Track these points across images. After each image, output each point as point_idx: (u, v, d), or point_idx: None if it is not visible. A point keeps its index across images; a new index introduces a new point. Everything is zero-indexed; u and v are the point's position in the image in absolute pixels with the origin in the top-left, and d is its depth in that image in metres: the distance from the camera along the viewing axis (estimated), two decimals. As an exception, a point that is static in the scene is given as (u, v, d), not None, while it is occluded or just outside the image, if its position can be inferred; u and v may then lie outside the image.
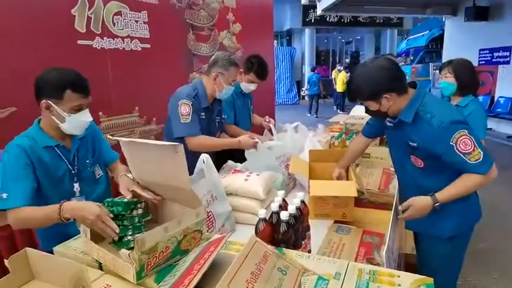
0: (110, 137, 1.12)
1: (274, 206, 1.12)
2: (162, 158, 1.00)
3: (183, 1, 3.21)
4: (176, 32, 3.18)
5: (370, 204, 1.76)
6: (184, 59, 3.30)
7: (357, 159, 1.97)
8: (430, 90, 8.99)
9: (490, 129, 7.81)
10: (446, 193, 1.37)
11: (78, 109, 1.38)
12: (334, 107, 12.82)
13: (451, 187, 1.37)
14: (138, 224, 1.11)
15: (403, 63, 10.86)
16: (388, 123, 1.53)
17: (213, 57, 2.20)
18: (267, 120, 2.55)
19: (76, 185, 1.46)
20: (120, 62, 2.66)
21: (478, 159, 1.29)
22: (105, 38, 2.54)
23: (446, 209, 1.40)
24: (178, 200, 1.11)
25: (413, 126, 1.37)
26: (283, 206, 1.20)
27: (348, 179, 1.70)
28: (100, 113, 2.55)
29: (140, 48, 2.82)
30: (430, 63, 9.56)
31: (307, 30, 15.06)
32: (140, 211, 1.15)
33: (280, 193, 1.23)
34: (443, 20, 9.30)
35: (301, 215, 1.17)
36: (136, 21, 2.77)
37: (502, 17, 7.55)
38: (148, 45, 2.88)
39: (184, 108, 1.99)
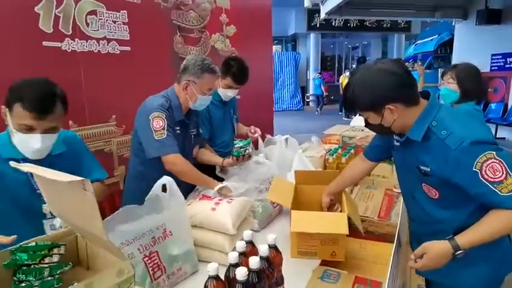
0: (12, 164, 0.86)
1: (232, 257, 0.84)
2: (71, 196, 0.73)
3: (170, 1, 2.96)
4: (161, 33, 2.93)
5: (369, 235, 1.47)
6: (170, 63, 3.04)
7: (352, 185, 1.70)
8: (438, 97, 8.62)
9: (504, 138, 7.43)
10: (469, 236, 1.05)
11: (27, 129, 1.17)
12: (340, 113, 12.52)
13: (476, 229, 1.05)
14: (48, 280, 0.83)
15: (410, 68, 10.52)
16: (395, 142, 1.24)
17: (183, 62, 1.93)
18: (252, 130, 2.25)
19: (45, 206, 1.22)
20: (95, 65, 2.41)
21: (510, 191, 0.98)
22: (76, 39, 2.29)
23: (469, 254, 1.06)
24: (103, 247, 0.83)
25: (425, 147, 1.09)
26: (249, 253, 0.91)
27: (341, 206, 1.41)
28: (70, 122, 2.30)
29: (119, 51, 2.57)
30: (439, 69, 9.18)
31: (312, 35, 14.81)
32: (56, 259, 0.87)
33: (247, 234, 0.95)
34: (453, 24, 8.95)
35: (270, 267, 0.88)
36: (115, 22, 2.52)
37: (516, 21, 7.21)
38: (128, 48, 2.63)
39: (157, 122, 1.69)
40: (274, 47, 16.03)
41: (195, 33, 3.28)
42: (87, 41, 2.35)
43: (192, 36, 3.24)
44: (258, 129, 2.24)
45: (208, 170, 1.91)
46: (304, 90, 15.73)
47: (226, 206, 1.27)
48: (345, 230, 1.13)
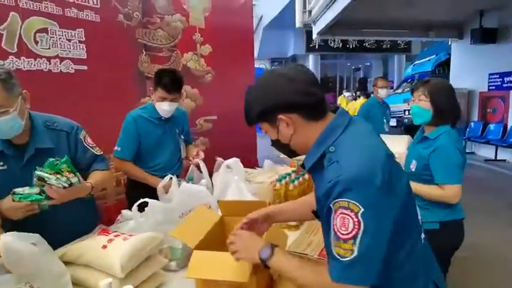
0: None
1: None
2: None
3: (134, 19, 2.88)
4: (124, 52, 2.83)
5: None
6: (134, 82, 2.94)
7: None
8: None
9: (504, 160, 7.14)
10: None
11: None
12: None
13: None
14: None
15: (408, 88, 10.34)
16: None
17: None
18: (195, 153, 2.07)
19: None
20: (45, 85, 2.30)
21: (344, 257, 0.77)
22: (22, 57, 2.19)
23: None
24: None
25: (318, 176, 0.89)
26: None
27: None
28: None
29: (73, 70, 2.47)
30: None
31: (311, 56, 14.84)
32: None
33: (103, 285, 0.76)
34: (450, 43, 8.85)
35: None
36: (69, 40, 2.43)
37: (512, 40, 7.06)
38: (84, 67, 2.53)
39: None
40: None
41: (164, 51, 3.19)
42: (35, 60, 2.26)
43: (160, 55, 3.15)
44: (201, 153, 2.06)
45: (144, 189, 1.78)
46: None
47: (120, 244, 1.09)
48: (244, 277, 0.93)
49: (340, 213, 0.77)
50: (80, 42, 2.49)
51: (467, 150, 8.23)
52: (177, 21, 3.29)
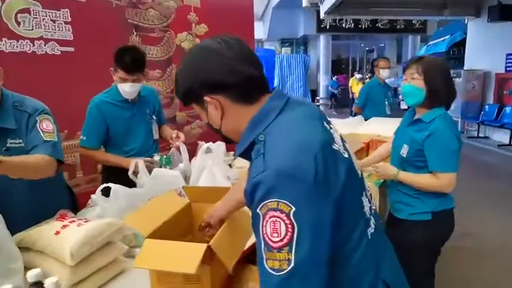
0: None
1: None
2: None
3: (123, -1, 2.80)
4: (113, 33, 2.76)
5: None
6: (125, 64, 2.87)
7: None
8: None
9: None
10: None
11: None
12: (350, 117, 12.12)
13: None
14: None
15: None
16: None
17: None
18: (174, 135, 1.99)
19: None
20: (29, 67, 2.27)
21: (280, 270, 0.64)
22: (4, 39, 2.15)
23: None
24: None
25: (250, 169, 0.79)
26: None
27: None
28: (-2, 128, 2.15)
29: (59, 52, 2.42)
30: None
31: (321, 37, 14.45)
32: None
33: (31, 275, 0.73)
34: (466, 22, 8.44)
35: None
36: (54, 21, 2.37)
37: (532, 17, 6.66)
38: (71, 49, 2.48)
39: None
40: (282, 50, 15.83)
41: (157, 32, 3.11)
42: (18, 41, 2.21)
43: (152, 36, 3.07)
44: (181, 135, 1.99)
45: (120, 173, 1.74)
46: (315, 93, 15.39)
47: (73, 230, 1.05)
48: (192, 269, 0.88)
49: (270, 217, 0.65)
50: (65, 23, 2.43)
51: (480, 135, 7.95)
52: (170, 0, 3.19)
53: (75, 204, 1.71)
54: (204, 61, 0.77)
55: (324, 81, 14.71)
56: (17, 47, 2.21)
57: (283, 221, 0.64)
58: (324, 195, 0.68)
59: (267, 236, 0.66)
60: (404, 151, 1.60)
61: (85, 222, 1.12)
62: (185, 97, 0.83)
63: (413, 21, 13.62)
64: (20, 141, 1.36)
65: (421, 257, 1.58)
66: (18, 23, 2.21)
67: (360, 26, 13.36)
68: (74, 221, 1.13)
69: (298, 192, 0.66)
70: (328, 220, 0.68)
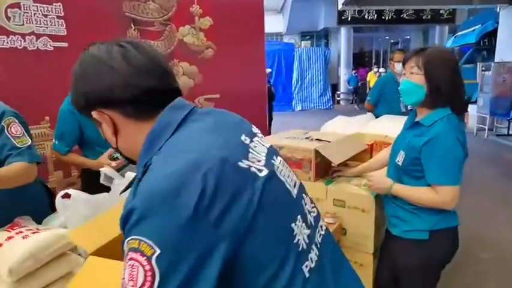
0: None
1: None
2: None
3: (120, -9, 2.71)
4: (109, 27, 2.68)
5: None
6: (122, 59, 2.79)
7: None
8: (477, 99, 7.56)
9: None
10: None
11: None
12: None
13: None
14: None
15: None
16: None
17: None
18: None
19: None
20: (21, 63, 2.22)
21: None
22: (-6, 35, 2.11)
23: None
24: None
25: None
26: None
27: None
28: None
29: (52, 48, 2.36)
30: (478, 63, 8.09)
31: (342, 30, 14.02)
32: None
33: None
34: (498, 10, 7.88)
35: None
36: (46, 16, 2.31)
37: None
38: (64, 44, 2.42)
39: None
40: (302, 43, 15.50)
41: (156, 26, 3.01)
42: (8, 37, 2.16)
43: (151, 30, 2.97)
44: None
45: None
46: (335, 88, 15.00)
47: (18, 243, 0.96)
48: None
49: (129, 259, 0.50)
50: (58, 17, 2.37)
51: (511, 132, 7.44)
52: (171, -8, 3.08)
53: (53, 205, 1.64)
54: (91, 73, 0.65)
55: (344, 75, 14.31)
56: (7, 42, 2.17)
57: (143, 266, 0.49)
58: (210, 232, 0.51)
59: (124, 284, 0.51)
60: (400, 158, 1.38)
61: (33, 233, 1.03)
62: (77, 107, 0.70)
63: (441, 11, 12.93)
64: None
65: (418, 280, 1.38)
66: (8, 18, 2.16)
67: (383, 17, 12.82)
68: (21, 232, 1.04)
69: (168, 227, 0.50)
70: (213, 270, 0.50)
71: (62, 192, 1.19)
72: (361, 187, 1.51)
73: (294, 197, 0.68)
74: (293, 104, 13.68)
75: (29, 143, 1.40)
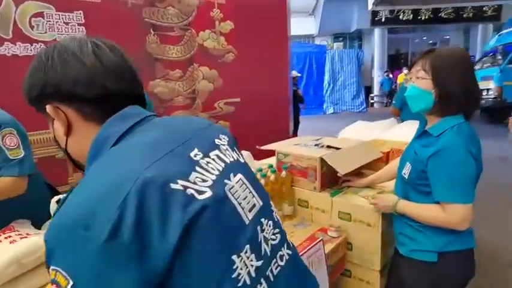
0: None
1: None
2: None
3: (140, -2, 2.76)
4: (128, 33, 2.74)
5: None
6: (141, 64, 2.84)
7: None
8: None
9: None
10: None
11: None
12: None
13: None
14: None
15: (489, 64, 8.82)
16: None
17: None
18: None
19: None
20: (43, 70, 2.32)
21: None
22: (18, 43, 2.21)
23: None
24: None
25: None
26: None
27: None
28: (12, 129, 2.22)
29: (73, 54, 2.44)
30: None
31: (376, 31, 13.59)
32: None
33: None
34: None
35: None
36: (67, 23, 2.40)
37: None
38: (85, 50, 2.49)
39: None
40: (335, 45, 15.21)
41: (176, 31, 3.04)
42: (31, 45, 2.26)
43: (171, 35, 3.00)
44: None
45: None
46: (369, 90, 14.57)
47: (4, 248, 0.97)
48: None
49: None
50: (78, 24, 2.45)
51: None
52: (191, -3, 3.10)
53: None
54: (58, 62, 0.60)
55: (378, 77, 13.87)
56: (30, 50, 2.26)
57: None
58: (127, 266, 0.46)
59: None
60: (406, 171, 1.25)
61: (21, 238, 1.04)
62: (27, 98, 0.65)
63: (484, 8, 12.16)
64: None
65: None
66: (32, 27, 2.25)
67: (419, 17, 12.27)
68: (10, 236, 1.05)
69: (79, 259, 0.46)
70: None
71: (56, 198, 1.20)
72: (369, 199, 1.41)
73: (246, 223, 0.60)
74: (324, 107, 13.45)
75: (21, 156, 1.40)
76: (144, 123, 0.62)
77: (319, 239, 1.25)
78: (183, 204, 0.51)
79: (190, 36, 3.14)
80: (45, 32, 2.31)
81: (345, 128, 2.58)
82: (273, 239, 0.65)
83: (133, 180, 0.49)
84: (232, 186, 0.60)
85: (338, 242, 1.36)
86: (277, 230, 0.67)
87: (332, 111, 13.36)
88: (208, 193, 0.55)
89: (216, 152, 0.63)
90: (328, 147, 1.76)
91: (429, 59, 1.20)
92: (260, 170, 1.50)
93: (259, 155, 2.23)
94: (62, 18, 2.37)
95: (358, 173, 1.74)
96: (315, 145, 1.77)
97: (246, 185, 0.64)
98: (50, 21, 2.32)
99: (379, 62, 14.06)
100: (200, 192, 0.54)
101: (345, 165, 1.49)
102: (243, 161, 0.70)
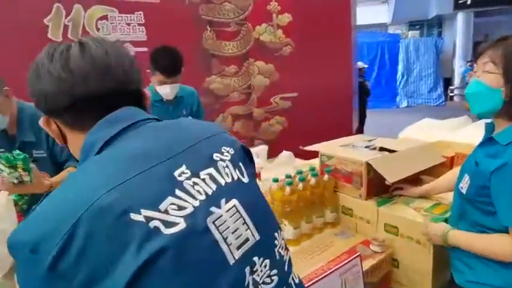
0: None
1: None
2: None
3: (197, -5, 2.81)
4: (186, 31, 2.81)
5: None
6: (198, 60, 2.90)
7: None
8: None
9: None
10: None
11: None
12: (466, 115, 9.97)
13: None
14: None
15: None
16: None
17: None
18: None
19: None
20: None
21: None
22: (86, 45, 2.41)
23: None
24: None
25: None
26: None
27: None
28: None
29: (133, 53, 2.58)
30: None
31: (459, 15, 12.18)
32: None
33: None
34: None
35: None
36: (128, 24, 2.54)
37: None
38: (145, 49, 2.61)
39: None
40: (410, 33, 14.04)
41: (232, 26, 3.04)
42: (97, 46, 2.44)
43: (227, 30, 3.02)
44: None
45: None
46: (449, 82, 13.19)
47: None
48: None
49: None
50: (139, 24, 2.58)
51: None
52: (247, -8, 3.07)
53: None
54: (32, 76, 0.57)
55: (460, 68, 12.46)
56: (97, 51, 2.45)
57: None
58: None
59: None
60: (464, 185, 1.03)
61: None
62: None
63: None
64: (42, 151, 1.42)
65: None
66: (98, 29, 2.43)
67: (515, -4, 10.68)
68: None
69: (30, 276, 0.45)
70: None
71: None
72: (421, 212, 1.23)
73: (231, 262, 0.50)
74: (397, 99, 12.52)
75: None
76: (136, 128, 0.55)
77: (356, 254, 1.13)
78: (141, 239, 0.43)
79: (247, 30, 3.12)
80: (109, 34, 2.48)
81: (408, 127, 2.33)
82: (267, 283, 0.54)
83: (88, 204, 0.43)
84: (220, 216, 0.51)
85: (381, 258, 1.21)
86: (275, 272, 0.56)
87: (406, 105, 12.39)
88: (181, 225, 0.46)
89: (210, 170, 0.54)
90: (382, 149, 1.60)
91: (501, 48, 0.96)
92: (300, 172, 1.41)
93: (308, 154, 2.13)
94: (124, 19, 2.52)
95: (415, 179, 1.54)
96: (366, 147, 1.62)
97: (240, 213, 0.54)
98: (113, 23, 2.48)
99: (462, 51, 12.61)
100: (169, 225, 0.46)
101: (395, 172, 1.32)
102: (246, 181, 0.59)
